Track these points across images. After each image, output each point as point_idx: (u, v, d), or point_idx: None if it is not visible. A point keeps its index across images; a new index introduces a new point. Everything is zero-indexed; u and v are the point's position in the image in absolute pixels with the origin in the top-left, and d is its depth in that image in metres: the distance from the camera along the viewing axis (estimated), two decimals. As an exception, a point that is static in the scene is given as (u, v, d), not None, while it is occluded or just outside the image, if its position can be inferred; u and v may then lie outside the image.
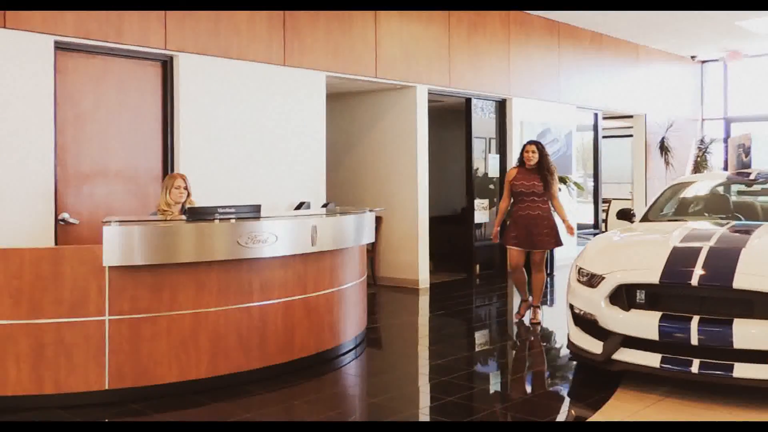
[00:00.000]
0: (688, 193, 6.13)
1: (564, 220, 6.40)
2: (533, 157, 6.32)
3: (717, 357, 4.10)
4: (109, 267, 4.18)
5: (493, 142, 9.69)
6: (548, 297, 8.25)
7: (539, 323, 6.38)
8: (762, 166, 6.11)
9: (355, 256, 5.57)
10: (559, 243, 6.42)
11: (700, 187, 6.26)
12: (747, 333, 4.00)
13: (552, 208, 6.41)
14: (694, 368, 4.10)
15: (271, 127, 6.96)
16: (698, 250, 4.44)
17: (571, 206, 10.50)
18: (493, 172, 9.58)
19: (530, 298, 6.55)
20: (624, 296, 4.40)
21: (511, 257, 6.47)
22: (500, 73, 9.40)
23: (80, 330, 4.14)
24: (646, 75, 12.26)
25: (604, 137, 12.49)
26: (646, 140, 12.44)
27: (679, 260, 4.39)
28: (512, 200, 6.47)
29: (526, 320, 6.51)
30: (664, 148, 12.55)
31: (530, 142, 6.49)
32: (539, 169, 6.31)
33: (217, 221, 4.48)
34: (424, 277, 8.46)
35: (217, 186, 6.49)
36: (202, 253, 4.40)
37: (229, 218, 4.54)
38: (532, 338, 6.21)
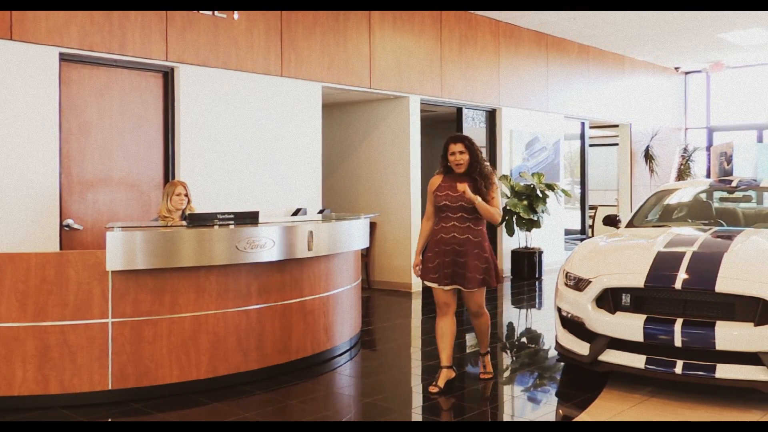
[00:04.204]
0: (672, 199, 6.18)
1: (474, 199, 4.44)
2: (461, 160, 4.51)
3: (700, 358, 4.16)
4: (112, 271, 4.25)
5: (484, 151, 9.84)
6: (536, 300, 8.39)
7: (491, 376, 4.80)
8: (743, 174, 6.13)
9: (350, 261, 5.66)
10: (493, 281, 4.55)
11: (684, 194, 6.31)
12: (729, 335, 4.08)
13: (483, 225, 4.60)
14: (678, 369, 4.17)
15: (269, 135, 7.06)
16: (682, 254, 4.51)
17: (560, 213, 10.69)
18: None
19: (444, 365, 4.65)
20: (610, 299, 4.47)
21: (436, 297, 4.66)
22: (490, 83, 9.56)
23: (84, 332, 4.22)
24: (631, 85, 12.45)
25: (590, 146, 12.63)
26: (632, 148, 12.62)
27: (663, 265, 4.46)
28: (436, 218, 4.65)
29: (471, 370, 5.02)
30: (648, 156, 12.73)
31: (455, 139, 4.57)
32: (470, 175, 4.55)
33: (216, 227, 4.56)
34: (417, 281, 8.55)
35: (217, 193, 6.58)
36: (202, 257, 4.46)
37: (228, 224, 4.62)
38: (522, 340, 6.34)
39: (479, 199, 4.46)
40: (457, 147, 4.53)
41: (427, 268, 4.59)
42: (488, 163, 4.68)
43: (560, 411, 4.34)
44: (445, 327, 4.65)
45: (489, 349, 4.90)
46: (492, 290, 8.76)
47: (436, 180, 4.66)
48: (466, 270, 4.48)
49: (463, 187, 4.43)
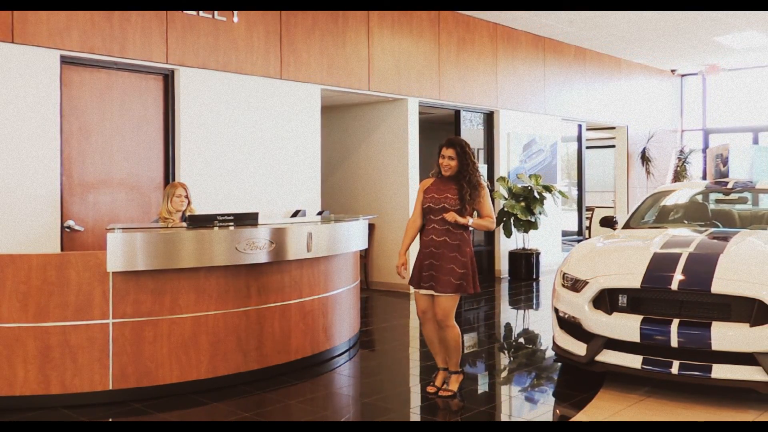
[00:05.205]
0: (668, 201, 6.21)
1: (466, 222, 4.43)
2: (449, 165, 4.46)
3: (696, 358, 4.20)
4: (113, 272, 4.28)
5: (481, 153, 9.89)
6: (534, 301, 8.43)
7: (453, 395, 4.48)
8: (739, 176, 6.18)
9: (349, 262, 5.69)
10: (471, 287, 4.40)
11: (680, 195, 6.34)
12: (724, 335, 4.11)
13: (469, 230, 4.51)
14: (674, 369, 4.21)
15: (269, 137, 7.09)
16: (678, 256, 4.55)
17: (557, 214, 10.73)
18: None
19: (441, 366, 4.64)
20: (607, 300, 4.50)
21: (417, 302, 4.59)
22: (488, 86, 9.61)
23: (85, 333, 4.25)
24: (627, 88, 12.51)
25: (587, 148, 12.68)
26: (628, 150, 12.68)
27: (660, 266, 4.50)
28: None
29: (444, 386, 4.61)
30: (645, 158, 12.79)
31: (448, 143, 4.50)
32: (457, 178, 4.48)
33: (216, 228, 4.58)
34: (414, 282, 8.60)
35: (217, 194, 6.60)
36: (202, 259, 4.49)
37: (228, 225, 4.64)
38: (519, 341, 6.37)
39: (470, 219, 4.45)
40: (448, 152, 4.47)
41: (412, 272, 4.58)
42: (481, 174, 4.59)
43: (557, 411, 4.38)
44: (430, 334, 4.59)
45: (461, 369, 4.59)
46: (490, 291, 8.81)
47: (427, 182, 4.62)
48: (440, 273, 4.38)
49: (452, 216, 4.38)
